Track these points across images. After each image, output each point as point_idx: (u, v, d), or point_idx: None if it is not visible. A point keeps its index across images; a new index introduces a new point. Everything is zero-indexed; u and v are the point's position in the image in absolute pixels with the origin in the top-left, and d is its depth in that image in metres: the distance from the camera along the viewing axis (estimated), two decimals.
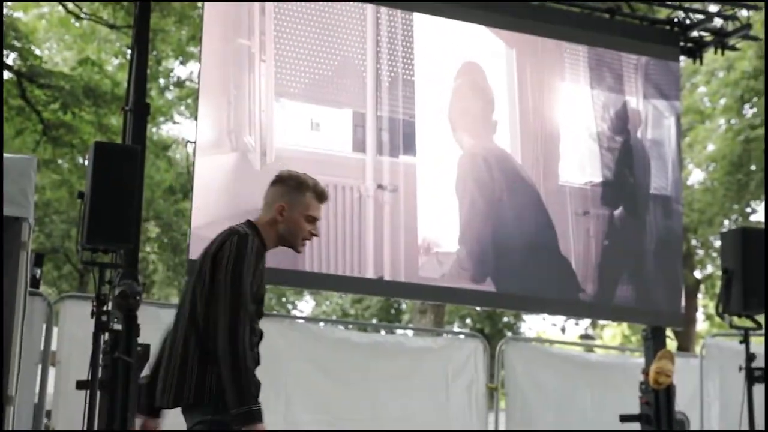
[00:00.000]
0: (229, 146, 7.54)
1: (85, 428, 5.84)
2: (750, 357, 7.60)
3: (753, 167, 17.48)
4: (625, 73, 9.14)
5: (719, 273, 8.13)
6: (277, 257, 4.34)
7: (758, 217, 19.26)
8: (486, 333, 21.24)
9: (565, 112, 8.86)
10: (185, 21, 16.85)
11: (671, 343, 16.48)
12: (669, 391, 8.14)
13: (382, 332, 15.96)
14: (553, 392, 9.26)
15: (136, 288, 6.17)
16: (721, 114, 18.58)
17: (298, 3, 7.94)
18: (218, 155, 7.53)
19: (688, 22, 9.37)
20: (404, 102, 8.18)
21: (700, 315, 23.45)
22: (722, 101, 18.38)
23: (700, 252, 21.05)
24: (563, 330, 25.70)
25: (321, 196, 3.86)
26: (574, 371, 9.49)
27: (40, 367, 7.44)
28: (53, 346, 7.67)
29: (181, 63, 20.19)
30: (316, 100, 7.97)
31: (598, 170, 8.86)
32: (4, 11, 13.57)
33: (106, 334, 6.16)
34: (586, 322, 23.77)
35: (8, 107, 14.65)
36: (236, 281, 3.51)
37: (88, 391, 5.94)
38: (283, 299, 26.27)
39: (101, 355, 6.11)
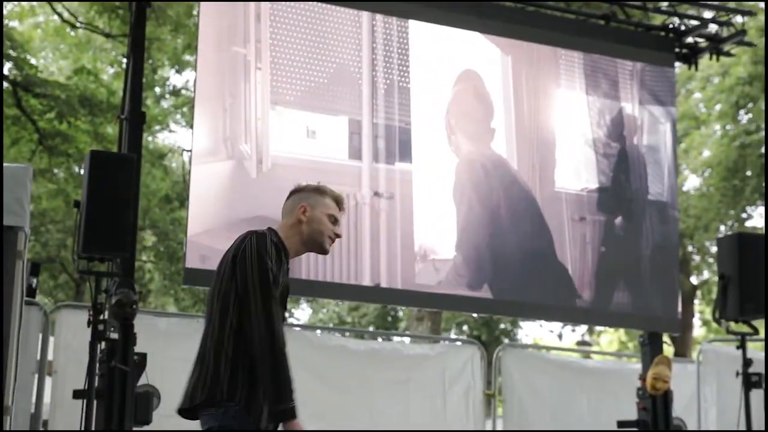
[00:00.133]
0: (225, 154, 7.54)
1: None
2: (747, 362, 7.60)
3: (748, 173, 17.50)
4: (620, 79, 9.15)
5: (716, 279, 8.14)
6: None
7: (754, 222, 19.29)
8: (483, 340, 21.21)
9: (561, 119, 8.87)
10: (181, 29, 16.86)
11: (668, 349, 16.48)
12: (666, 397, 8.14)
13: (379, 339, 15.96)
14: (550, 398, 9.24)
15: (133, 297, 6.17)
16: (716, 120, 18.60)
17: (294, 11, 7.95)
18: (214, 163, 7.53)
19: (683, 28, 9.39)
20: (400, 109, 8.19)
21: (696, 321, 23.45)
22: (717, 107, 18.40)
23: (697, 258, 21.06)
24: (560, 336, 25.68)
25: (339, 202, 3.86)
26: (571, 377, 9.48)
27: (36, 376, 7.43)
28: (50, 356, 7.65)
29: (177, 71, 20.23)
30: (312, 107, 7.98)
31: (594, 176, 8.87)
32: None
33: (103, 343, 6.15)
34: (583, 328, 23.77)
35: (4, 117, 14.64)
36: (263, 276, 3.47)
37: (85, 401, 5.93)
38: None
39: (98, 364, 6.10)
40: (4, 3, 11.09)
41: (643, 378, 8.27)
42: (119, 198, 6.22)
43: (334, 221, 3.82)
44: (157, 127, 20.48)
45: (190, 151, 7.70)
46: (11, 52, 14.75)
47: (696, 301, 22.17)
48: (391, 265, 7.91)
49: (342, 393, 8.31)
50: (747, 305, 7.67)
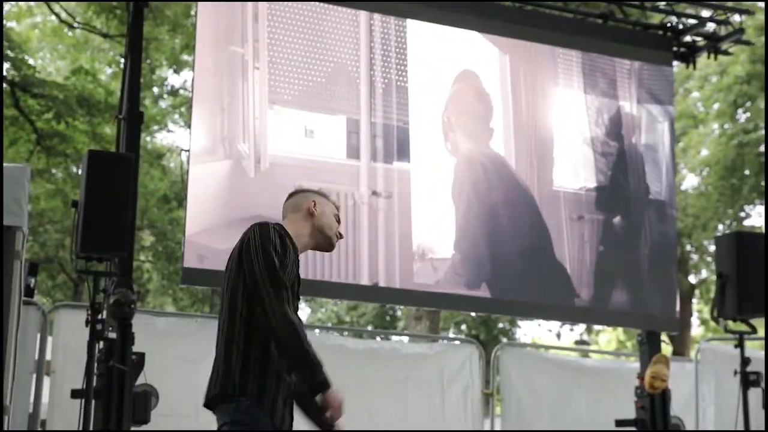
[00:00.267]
0: (223, 153, 7.54)
1: None
2: (745, 361, 7.60)
3: (747, 172, 17.51)
4: (618, 78, 9.16)
5: (714, 278, 8.13)
6: None
7: (752, 221, 19.30)
8: (481, 339, 21.22)
9: (559, 118, 8.87)
10: (178, 29, 16.86)
11: (666, 348, 16.49)
12: (664, 396, 8.14)
13: (378, 339, 15.96)
14: (548, 397, 9.24)
15: (131, 296, 6.17)
16: (714, 119, 18.61)
17: (292, 10, 7.95)
18: (212, 163, 7.53)
19: (681, 27, 9.40)
20: (398, 108, 8.19)
21: (695, 320, 23.46)
22: (716, 106, 18.41)
23: (695, 257, 21.07)
24: (558, 336, 25.68)
25: (338, 209, 3.91)
26: (569, 376, 9.47)
27: (34, 376, 7.42)
28: (48, 356, 7.64)
29: (175, 71, 20.23)
30: (310, 107, 7.98)
31: (593, 175, 8.87)
32: None
33: (101, 343, 6.15)
34: (582, 327, 23.79)
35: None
36: (268, 262, 3.45)
37: (83, 400, 5.93)
38: None
39: (96, 364, 6.10)
40: (3, 4, 11.06)
41: (641, 377, 8.27)
42: (117, 198, 6.22)
43: (338, 220, 3.86)
44: (155, 127, 20.47)
45: (188, 150, 7.69)
46: (9, 52, 14.74)
47: (694, 300, 22.18)
48: (389, 264, 7.91)
49: (340, 392, 8.30)
50: (745, 304, 7.67)
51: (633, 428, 8.20)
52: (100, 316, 6.10)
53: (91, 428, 5.89)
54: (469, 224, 8.25)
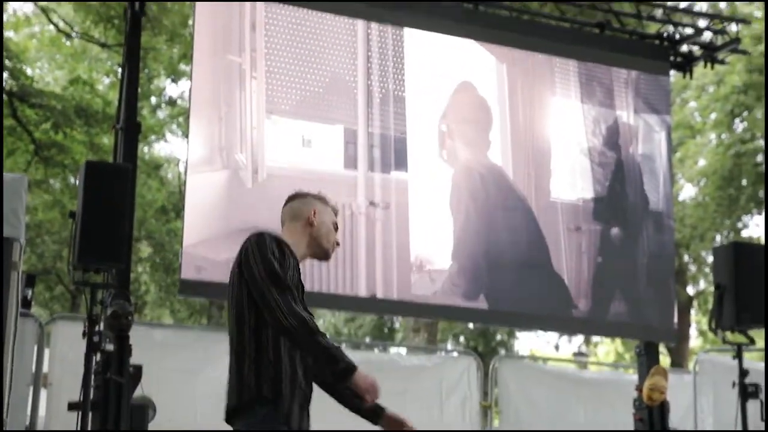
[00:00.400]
0: (220, 164, 7.52)
1: None
2: (743, 372, 7.58)
3: (744, 182, 17.51)
4: (615, 87, 9.15)
5: (712, 289, 8.11)
6: None
7: (750, 232, 19.31)
8: (479, 351, 21.18)
9: (556, 127, 8.86)
10: (176, 39, 16.87)
11: (665, 360, 16.47)
12: (663, 408, 8.10)
13: (376, 351, 15.94)
14: (546, 409, 9.23)
15: (128, 308, 6.14)
16: (711, 129, 18.63)
17: (289, 20, 7.94)
18: (209, 173, 7.51)
19: (677, 36, 9.41)
20: (395, 118, 8.18)
21: (693, 331, 23.45)
22: (712, 116, 18.42)
23: (693, 268, 21.06)
24: (557, 347, 25.65)
25: (337, 213, 3.90)
26: (567, 388, 9.47)
27: (31, 388, 7.40)
28: (45, 368, 7.62)
29: (173, 81, 20.23)
30: (308, 116, 7.96)
31: (590, 185, 8.86)
32: None
33: (98, 355, 6.12)
34: (580, 339, 23.75)
35: None
36: (268, 268, 3.47)
37: (80, 413, 5.90)
38: None
39: (93, 376, 6.07)
40: (3, 10, 11.03)
41: (639, 388, 8.24)
42: (115, 208, 6.19)
43: (336, 228, 3.85)
44: (153, 138, 20.46)
45: (186, 161, 7.68)
46: (7, 62, 14.74)
47: (692, 312, 22.16)
48: (386, 275, 7.89)
49: (338, 405, 8.28)
50: (743, 315, 7.65)
51: None
52: (97, 328, 6.07)
53: None
54: (467, 235, 8.24)
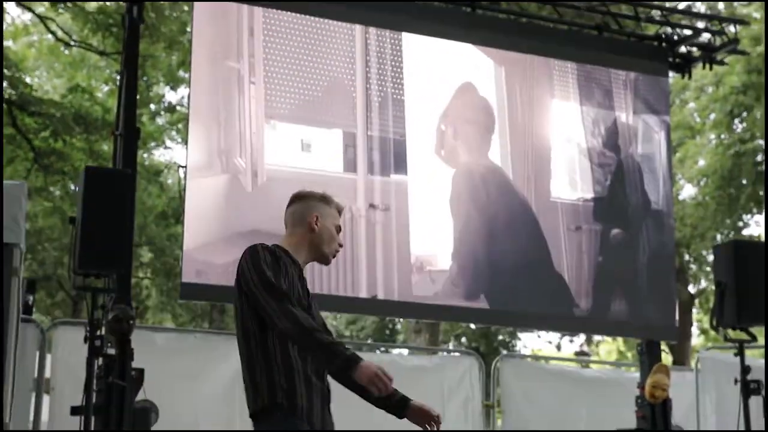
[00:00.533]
0: (220, 168, 7.54)
1: None
2: (745, 369, 7.57)
3: (744, 181, 17.53)
4: (614, 88, 9.17)
5: (713, 287, 8.12)
6: None
7: (750, 231, 19.30)
8: (481, 351, 21.18)
9: (556, 129, 8.88)
10: (175, 46, 16.88)
11: (666, 358, 16.47)
12: (665, 405, 8.12)
13: (378, 352, 15.94)
14: (549, 408, 9.23)
15: (130, 312, 6.15)
16: (710, 129, 18.64)
17: (287, 25, 7.96)
18: (209, 177, 7.52)
19: (676, 37, 9.42)
20: (394, 121, 8.20)
21: (694, 330, 23.44)
22: (712, 116, 18.43)
23: (694, 267, 21.06)
24: (558, 347, 25.64)
25: (340, 208, 3.91)
26: (569, 387, 9.47)
27: (34, 394, 7.40)
28: (47, 373, 7.63)
29: (172, 88, 20.23)
30: (307, 120, 7.98)
31: (590, 186, 8.87)
32: None
33: (100, 359, 6.13)
34: (581, 339, 23.74)
35: None
36: (262, 279, 3.50)
37: (83, 417, 5.91)
38: None
39: (95, 380, 6.08)
40: (3, 16, 11.13)
41: (641, 386, 8.26)
42: (115, 213, 6.20)
43: (339, 230, 3.86)
44: (153, 144, 20.47)
45: (185, 166, 7.69)
46: (6, 71, 14.76)
47: (694, 311, 22.16)
48: (387, 276, 7.90)
49: (339, 405, 8.27)
50: (744, 312, 7.65)
51: None
52: (98, 333, 6.08)
53: None
54: (467, 236, 8.25)
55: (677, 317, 9.12)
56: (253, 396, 3.52)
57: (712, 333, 11.15)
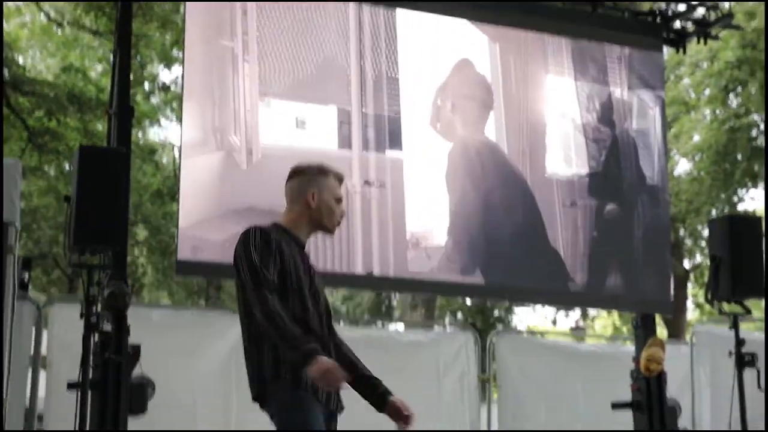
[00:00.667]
0: (214, 146, 7.53)
1: (77, 429, 5.83)
2: (740, 342, 7.62)
3: (739, 156, 17.55)
4: (608, 64, 9.16)
5: (708, 262, 8.16)
6: None
7: (745, 206, 19.35)
8: (477, 327, 21.24)
9: (550, 105, 8.88)
10: (168, 26, 16.82)
11: (662, 332, 16.52)
12: (660, 378, 8.16)
13: (374, 327, 16.00)
14: (544, 382, 9.28)
15: (125, 288, 6.17)
16: (705, 104, 18.63)
17: (280, 2, 7.93)
18: (204, 155, 7.52)
19: (670, 12, 9.40)
20: (389, 98, 8.19)
21: (689, 304, 23.51)
22: (707, 92, 18.43)
23: (689, 242, 21.10)
24: (554, 322, 25.74)
25: (340, 178, 3.94)
26: (565, 362, 9.52)
27: (30, 370, 7.43)
28: (43, 350, 7.66)
29: (166, 67, 20.16)
30: (301, 98, 7.97)
31: (585, 161, 8.88)
32: None
33: (96, 335, 6.16)
34: (577, 314, 23.84)
35: None
36: (251, 269, 3.57)
37: (80, 392, 5.93)
38: None
39: (92, 356, 6.10)
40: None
41: (637, 360, 8.30)
42: (110, 191, 6.21)
43: (340, 201, 3.89)
44: (147, 123, 20.44)
45: (180, 145, 7.69)
46: None
47: (689, 285, 22.23)
48: (383, 253, 7.91)
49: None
50: (739, 286, 7.71)
51: (629, 411, 8.23)
52: (95, 309, 6.10)
53: (87, 420, 5.88)
54: (463, 211, 8.26)
55: (672, 291, 9.15)
56: (258, 375, 3.58)
57: (707, 308, 11.20)
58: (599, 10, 9.25)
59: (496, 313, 24.23)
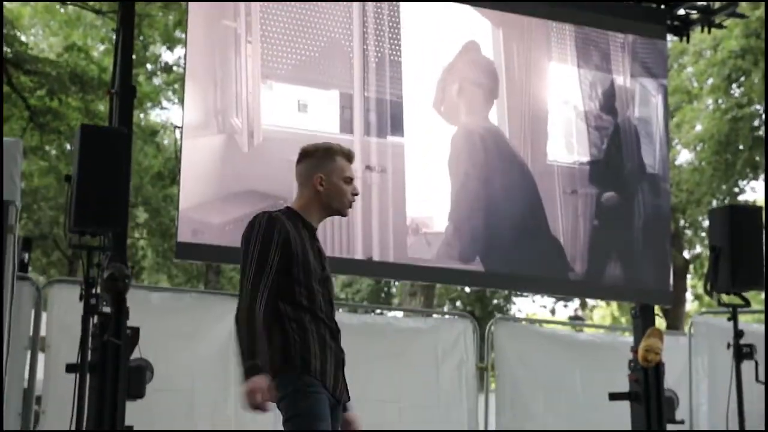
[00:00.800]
0: (216, 128, 7.51)
1: (75, 411, 5.83)
2: (738, 334, 7.62)
3: (740, 146, 17.52)
4: (612, 51, 9.13)
5: (708, 253, 8.14)
6: None
7: (746, 197, 19.32)
8: (476, 315, 21.27)
9: (553, 91, 8.85)
10: (171, 6, 16.79)
11: (660, 323, 16.53)
12: (658, 369, 8.15)
13: (372, 314, 16.00)
14: (543, 372, 9.27)
15: (125, 270, 6.16)
16: (708, 94, 18.60)
17: None
18: (205, 137, 7.50)
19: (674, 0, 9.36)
20: (391, 83, 8.16)
21: (689, 295, 23.52)
22: (710, 81, 18.39)
23: (689, 232, 21.10)
24: (553, 312, 25.76)
25: (349, 156, 3.90)
26: (563, 351, 9.51)
27: (29, 352, 7.42)
28: (42, 331, 7.65)
29: (168, 48, 20.14)
30: (303, 81, 7.94)
31: (586, 149, 8.85)
32: None
33: (96, 317, 6.15)
34: (576, 304, 23.83)
35: None
36: (252, 257, 3.58)
37: (78, 374, 5.93)
38: None
39: (90, 338, 6.10)
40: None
41: (635, 350, 8.29)
42: (111, 172, 6.20)
43: (350, 181, 3.85)
44: (149, 104, 20.43)
45: (181, 126, 7.67)
46: None
47: (688, 276, 22.23)
48: (383, 238, 7.90)
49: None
50: (738, 277, 7.69)
51: (627, 401, 8.23)
52: (94, 291, 6.09)
53: (86, 402, 5.88)
54: (464, 197, 8.24)
55: (672, 282, 9.13)
56: (271, 358, 3.55)
57: (706, 299, 11.20)
58: None
59: (494, 301, 24.23)
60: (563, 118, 8.83)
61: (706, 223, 17.15)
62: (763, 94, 16.35)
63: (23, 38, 16.65)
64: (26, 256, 6.68)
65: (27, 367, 7.42)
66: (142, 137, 18.40)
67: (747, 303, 7.95)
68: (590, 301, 24.47)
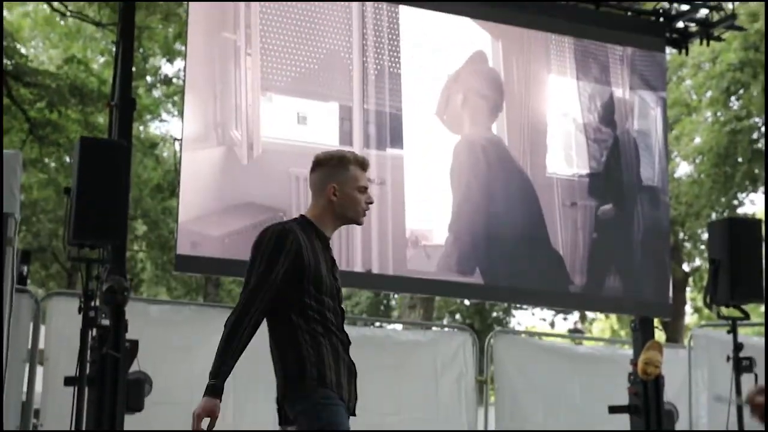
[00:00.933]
0: (215, 140, 7.51)
1: (73, 425, 5.82)
2: (738, 347, 7.61)
3: (740, 159, 17.53)
4: (611, 64, 9.14)
5: (707, 266, 8.14)
6: None
7: (745, 209, 19.31)
8: (475, 328, 21.22)
9: (552, 104, 8.86)
10: (171, 19, 16.82)
11: (660, 335, 16.51)
12: (658, 382, 8.14)
13: (372, 327, 15.98)
14: (542, 385, 9.25)
15: (124, 283, 6.16)
16: (707, 106, 18.62)
17: None
18: (205, 149, 7.50)
19: (673, 12, 9.38)
20: (391, 95, 8.17)
21: (688, 308, 23.49)
22: (708, 94, 18.41)
23: (688, 245, 21.09)
24: (552, 325, 25.70)
25: (363, 164, 3.85)
26: (563, 364, 9.49)
27: (27, 365, 7.40)
28: (41, 344, 7.63)
29: (168, 61, 20.17)
30: (303, 93, 7.95)
31: (585, 162, 8.86)
32: None
33: (94, 330, 6.14)
34: (575, 316, 23.79)
35: None
36: (257, 270, 3.58)
37: (77, 388, 5.92)
38: None
39: (89, 351, 6.09)
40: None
41: (634, 363, 8.28)
42: (110, 184, 6.20)
43: (364, 190, 3.82)
44: (149, 117, 20.43)
45: (181, 139, 7.67)
46: None
47: (688, 289, 22.21)
48: (382, 251, 7.89)
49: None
50: (738, 290, 7.69)
51: (626, 414, 8.21)
52: (93, 303, 6.09)
53: (84, 415, 5.86)
54: (465, 209, 8.24)
55: (671, 294, 9.13)
56: (282, 373, 3.58)
57: (706, 312, 11.19)
58: (602, 9, 9.23)
59: (494, 314, 24.19)
60: (562, 131, 8.84)
61: (705, 236, 17.16)
62: (762, 106, 16.36)
63: (23, 50, 16.66)
64: (25, 268, 6.68)
65: (25, 380, 7.39)
66: (142, 150, 18.40)
67: (746, 316, 7.95)
68: (590, 314, 24.43)
